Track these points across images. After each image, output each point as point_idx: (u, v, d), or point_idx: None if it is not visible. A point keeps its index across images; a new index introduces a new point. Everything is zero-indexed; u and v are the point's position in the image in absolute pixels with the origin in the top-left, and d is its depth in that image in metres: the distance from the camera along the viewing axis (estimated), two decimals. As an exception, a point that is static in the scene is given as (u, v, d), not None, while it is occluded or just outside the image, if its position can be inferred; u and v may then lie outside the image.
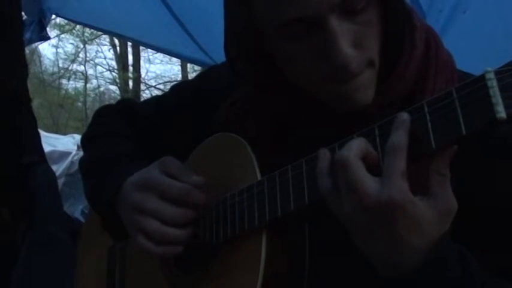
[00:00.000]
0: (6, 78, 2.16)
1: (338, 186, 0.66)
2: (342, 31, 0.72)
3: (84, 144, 1.15)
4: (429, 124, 0.62)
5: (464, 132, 0.59)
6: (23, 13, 2.68)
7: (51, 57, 18.02)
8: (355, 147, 0.66)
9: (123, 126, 1.11)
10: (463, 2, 2.41)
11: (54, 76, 18.13)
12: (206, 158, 0.96)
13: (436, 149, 0.62)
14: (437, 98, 0.63)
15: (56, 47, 17.16)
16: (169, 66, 18.91)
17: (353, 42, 0.73)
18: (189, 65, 15.82)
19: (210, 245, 0.89)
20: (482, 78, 0.58)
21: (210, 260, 0.90)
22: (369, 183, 0.64)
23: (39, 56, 16.87)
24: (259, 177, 0.83)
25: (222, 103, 0.96)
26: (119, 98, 17.32)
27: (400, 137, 0.63)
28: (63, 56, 17.67)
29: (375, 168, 0.65)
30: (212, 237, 0.89)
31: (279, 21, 0.74)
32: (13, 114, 2.16)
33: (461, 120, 0.59)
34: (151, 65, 21.05)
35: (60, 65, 17.99)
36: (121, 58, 17.06)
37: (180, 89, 1.12)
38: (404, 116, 0.65)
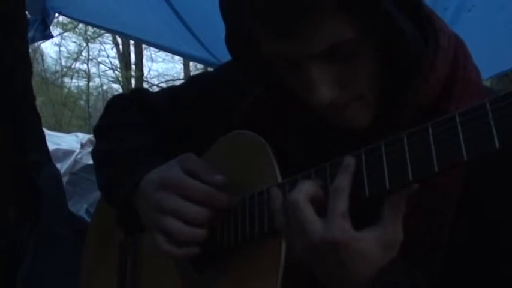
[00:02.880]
0: (11, 77, 2.16)
1: (290, 224, 0.72)
2: (322, 75, 0.72)
3: (97, 134, 1.12)
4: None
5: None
6: (26, 12, 2.67)
7: (54, 55, 18.07)
8: (304, 190, 0.72)
9: (138, 117, 1.09)
10: (468, 0, 2.40)
11: (57, 75, 18.15)
12: (224, 155, 0.94)
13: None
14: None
15: (59, 45, 17.21)
16: (171, 64, 18.95)
17: (336, 83, 0.73)
18: (191, 64, 15.83)
19: (227, 245, 0.88)
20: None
21: (226, 260, 0.89)
22: (315, 224, 0.70)
23: (42, 54, 16.90)
24: (279, 179, 0.82)
25: (244, 98, 0.95)
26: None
27: (342, 181, 0.69)
28: (65, 55, 17.71)
29: (323, 209, 0.70)
30: (230, 237, 0.88)
31: (268, 52, 0.75)
32: (18, 112, 2.16)
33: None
34: (154, 64, 21.02)
35: (63, 64, 18.04)
36: (124, 57, 17.07)
37: (200, 81, 1.09)
38: (349, 160, 0.70)
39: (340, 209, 0.68)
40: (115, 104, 1.15)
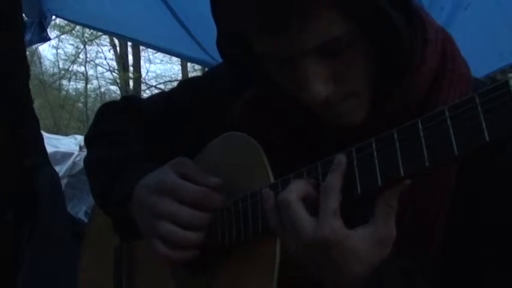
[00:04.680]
0: (9, 80, 2.16)
1: (283, 224, 0.72)
2: (315, 71, 0.72)
3: (88, 142, 1.12)
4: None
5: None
6: (23, 15, 2.67)
7: (52, 58, 18.04)
8: (295, 190, 0.72)
9: (129, 124, 1.08)
10: (465, -1, 2.41)
11: (55, 77, 18.15)
12: (216, 157, 0.94)
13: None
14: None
15: (56, 47, 17.20)
16: (169, 65, 18.95)
17: (330, 78, 0.73)
18: (189, 64, 15.83)
19: (221, 246, 0.88)
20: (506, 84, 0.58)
21: (221, 262, 0.89)
22: (306, 223, 0.70)
23: (40, 57, 16.89)
24: (272, 179, 0.82)
25: (235, 100, 0.95)
26: (119, 98, 17.33)
27: (333, 179, 0.69)
28: (63, 57, 17.71)
29: (314, 208, 0.70)
30: (224, 238, 0.87)
31: (260, 50, 0.75)
32: (16, 116, 2.16)
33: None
34: (152, 65, 21.09)
35: (61, 66, 18.04)
36: (121, 58, 17.07)
37: (190, 85, 1.09)
38: (340, 158, 0.70)
39: (331, 208, 0.68)
40: (105, 112, 1.14)
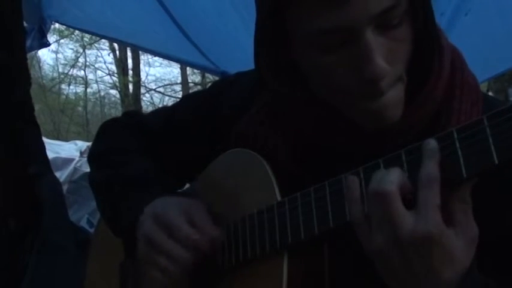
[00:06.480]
0: (10, 88, 2.16)
1: (370, 216, 0.66)
2: (377, 45, 0.71)
3: (92, 161, 1.11)
4: (459, 152, 0.62)
5: (496, 161, 0.59)
6: (24, 22, 2.67)
7: (51, 62, 18.03)
8: (396, 181, 0.65)
9: (133, 141, 1.08)
10: (465, 5, 2.42)
11: (54, 81, 18.13)
12: (222, 173, 0.94)
13: (467, 178, 0.62)
14: (467, 126, 0.62)
15: (56, 52, 17.19)
16: (169, 69, 18.97)
17: (386, 57, 0.72)
18: (188, 68, 15.81)
19: (228, 265, 0.88)
20: None
21: (227, 280, 0.88)
22: (405, 216, 0.64)
23: (39, 61, 16.87)
24: (279, 197, 0.82)
25: (241, 115, 0.94)
26: (119, 102, 17.38)
27: (433, 169, 0.63)
28: (62, 61, 17.70)
29: (406, 200, 0.65)
30: (231, 257, 0.87)
31: (314, 31, 0.73)
32: (17, 124, 2.16)
33: (492, 149, 0.59)
34: (151, 68, 21.09)
35: (60, 70, 18.02)
36: (120, 62, 17.06)
37: (194, 100, 1.08)
38: (434, 144, 0.64)
39: (435, 201, 0.63)
40: (108, 129, 1.14)
